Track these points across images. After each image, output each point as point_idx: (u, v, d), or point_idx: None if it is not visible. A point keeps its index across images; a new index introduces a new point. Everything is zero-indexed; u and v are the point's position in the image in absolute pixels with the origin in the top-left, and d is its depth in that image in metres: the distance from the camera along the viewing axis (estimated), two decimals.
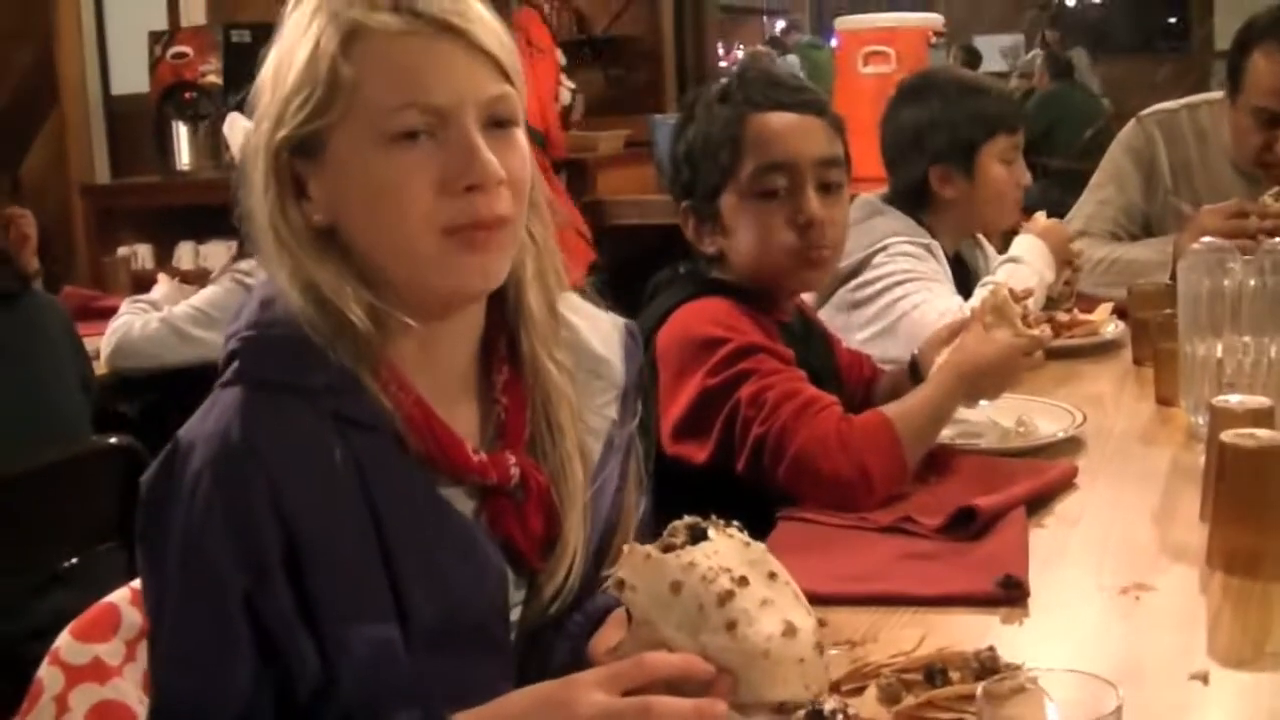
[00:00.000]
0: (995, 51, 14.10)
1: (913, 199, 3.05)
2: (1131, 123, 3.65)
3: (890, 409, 2.12)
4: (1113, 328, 3.08)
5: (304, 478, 1.33)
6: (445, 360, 1.49)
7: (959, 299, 2.86)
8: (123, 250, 5.86)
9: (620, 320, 1.69)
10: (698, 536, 1.33)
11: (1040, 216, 3.10)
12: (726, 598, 1.27)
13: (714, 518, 1.35)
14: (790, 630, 1.28)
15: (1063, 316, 3.05)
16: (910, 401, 2.14)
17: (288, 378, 1.37)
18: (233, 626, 1.31)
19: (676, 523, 1.35)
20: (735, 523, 1.37)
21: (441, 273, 1.41)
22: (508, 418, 1.51)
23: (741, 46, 15.36)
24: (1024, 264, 2.88)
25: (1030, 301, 2.31)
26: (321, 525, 1.33)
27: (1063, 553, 1.89)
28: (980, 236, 3.30)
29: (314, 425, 1.36)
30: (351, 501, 1.35)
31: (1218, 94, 3.57)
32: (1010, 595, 1.71)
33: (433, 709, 1.32)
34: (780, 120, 2.27)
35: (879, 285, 2.88)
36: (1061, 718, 1.13)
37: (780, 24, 19.48)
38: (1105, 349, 3.04)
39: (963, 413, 2.41)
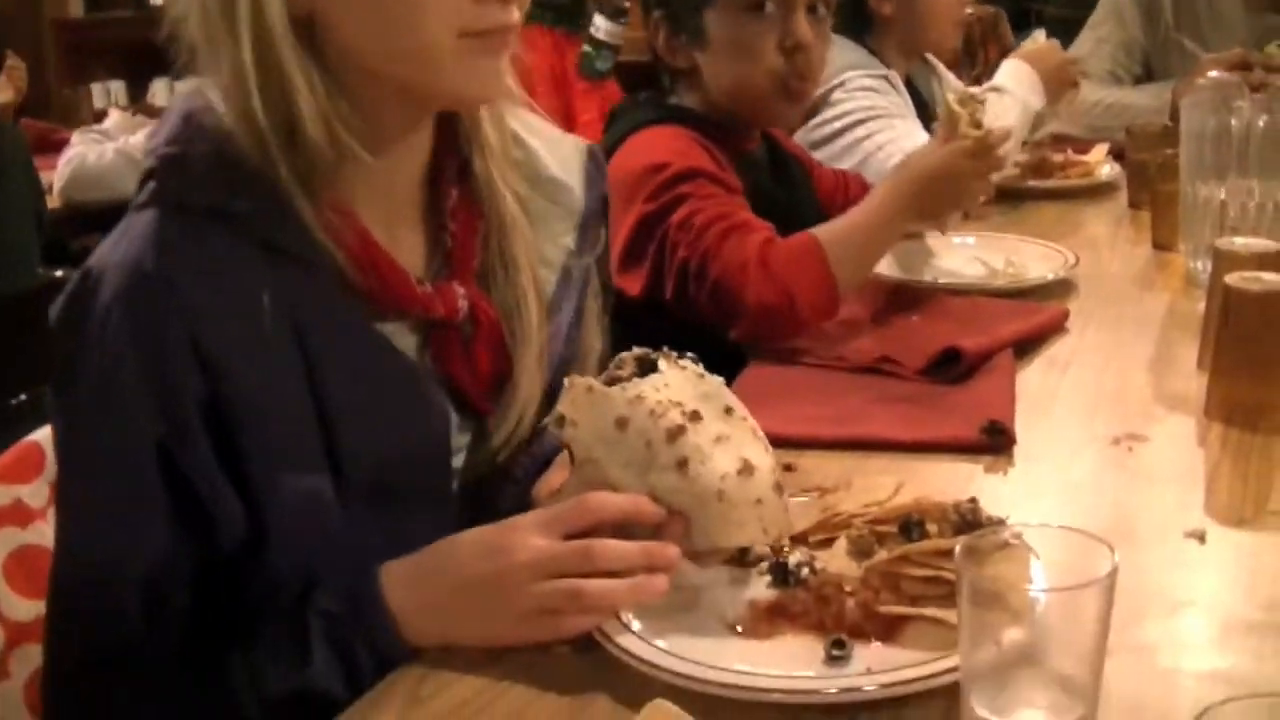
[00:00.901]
0: None
1: (853, 19, 2.88)
2: None
3: (821, 230, 1.98)
4: (1108, 169, 2.94)
5: (226, 313, 1.20)
6: (391, 184, 1.35)
7: (925, 134, 2.73)
8: (96, 87, 5.71)
9: (583, 143, 1.57)
10: (646, 368, 1.23)
11: (1039, 35, 2.94)
12: (676, 433, 1.17)
13: (665, 349, 1.24)
14: (747, 468, 1.18)
15: (1056, 157, 2.92)
16: (844, 221, 2.00)
17: (211, 200, 1.23)
18: (146, 477, 1.18)
19: (624, 354, 1.24)
20: (689, 354, 1.26)
21: (457, 76, 1.27)
22: (456, 245, 1.39)
23: None
24: (1007, 92, 2.73)
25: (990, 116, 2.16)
26: (246, 366, 1.20)
27: (1052, 399, 1.78)
28: (934, 61, 3.16)
29: (239, 255, 1.22)
30: (280, 339, 1.22)
31: None
32: (995, 442, 1.61)
33: (364, 565, 1.21)
34: None
35: (840, 124, 2.74)
36: (1050, 579, 1.01)
37: None
38: (1100, 191, 2.91)
39: (948, 251, 2.29)
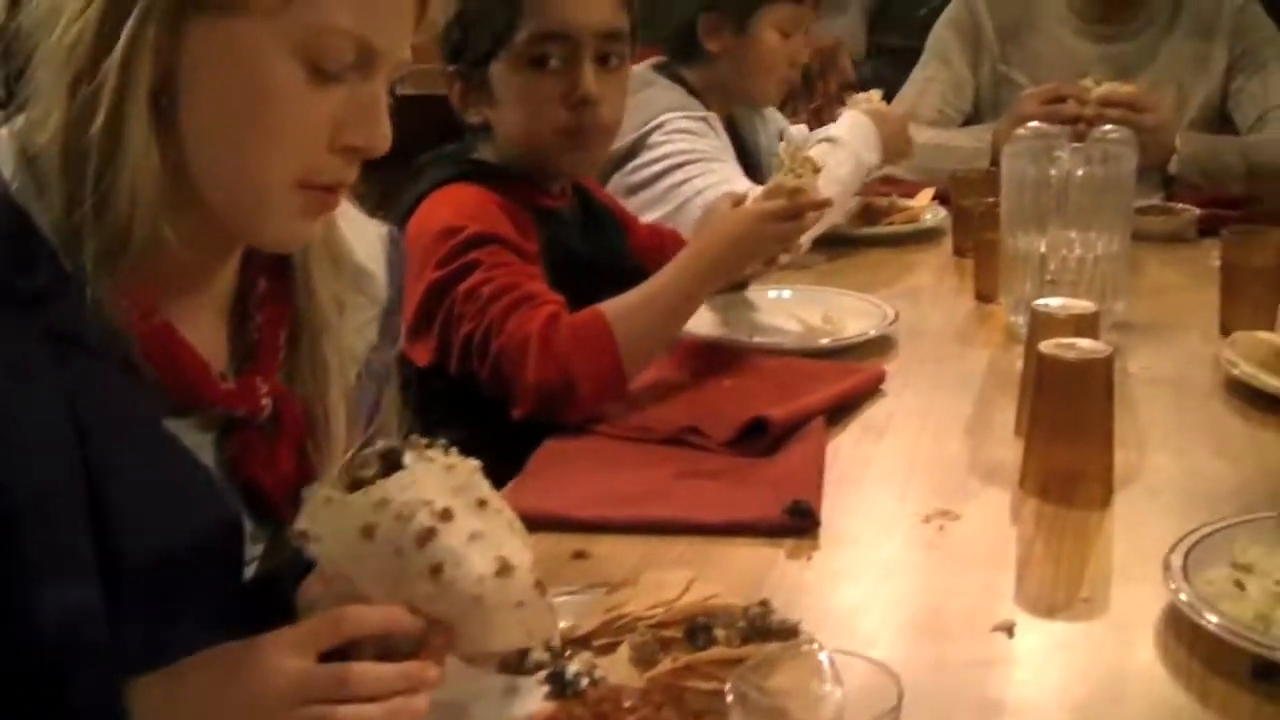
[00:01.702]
0: None
1: (679, 47, 2.80)
2: None
3: (612, 305, 1.87)
4: (933, 215, 2.88)
5: None
6: (198, 270, 1.23)
7: (746, 180, 2.66)
8: None
9: (384, 228, 1.45)
10: (391, 465, 1.11)
11: (874, 94, 2.87)
12: (427, 537, 1.06)
13: (413, 438, 1.14)
14: (505, 568, 1.08)
15: (881, 202, 2.85)
16: (638, 294, 1.90)
17: None
18: None
19: (366, 450, 1.13)
20: (441, 441, 1.15)
21: (276, 226, 1.18)
22: (262, 338, 1.27)
23: None
24: (841, 144, 2.66)
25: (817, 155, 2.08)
26: (11, 467, 1.07)
27: (864, 471, 1.71)
28: (767, 111, 3.09)
29: (15, 341, 1.08)
30: (55, 440, 1.08)
31: None
32: (799, 524, 1.52)
33: (127, 680, 1.09)
34: None
35: (658, 168, 2.64)
36: (832, 706, 0.93)
37: None
38: (926, 237, 2.84)
39: (764, 306, 2.21)
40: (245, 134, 1.13)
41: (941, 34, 3.41)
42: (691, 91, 2.80)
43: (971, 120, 3.35)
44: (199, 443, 1.21)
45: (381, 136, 1.18)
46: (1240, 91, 3.26)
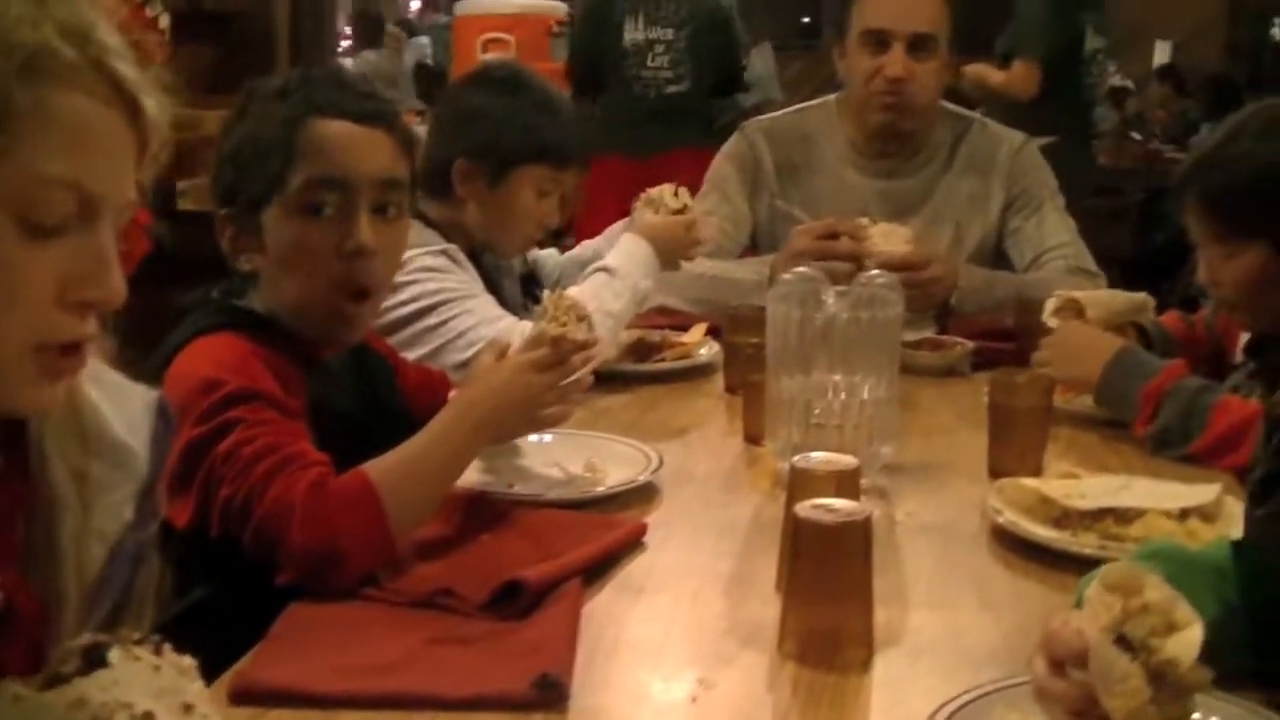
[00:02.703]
0: None
1: (427, 182, 2.70)
2: (736, 133, 3.46)
3: (375, 465, 1.79)
4: (706, 350, 2.84)
5: None
6: None
7: (501, 310, 2.63)
8: None
9: (151, 394, 1.36)
10: (94, 661, 1.02)
11: (667, 189, 2.82)
12: None
13: (123, 632, 1.05)
14: None
15: (654, 337, 2.80)
16: (403, 453, 1.82)
17: None
18: None
19: (69, 644, 1.04)
20: (154, 637, 1.06)
21: (19, 393, 1.13)
22: None
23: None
24: (618, 275, 2.61)
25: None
26: None
27: (620, 634, 1.63)
28: None
29: None
30: None
31: (829, 96, 3.43)
32: (546, 698, 1.44)
33: None
34: (341, 129, 1.94)
35: (407, 310, 2.56)
36: None
37: (416, 3, 19.22)
38: (698, 373, 2.79)
39: (526, 452, 2.13)
40: None
41: (722, 168, 3.40)
42: (429, 224, 2.72)
43: (749, 254, 3.34)
44: None
45: (114, 289, 1.12)
46: (1017, 232, 3.31)
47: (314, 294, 1.96)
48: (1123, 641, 1.20)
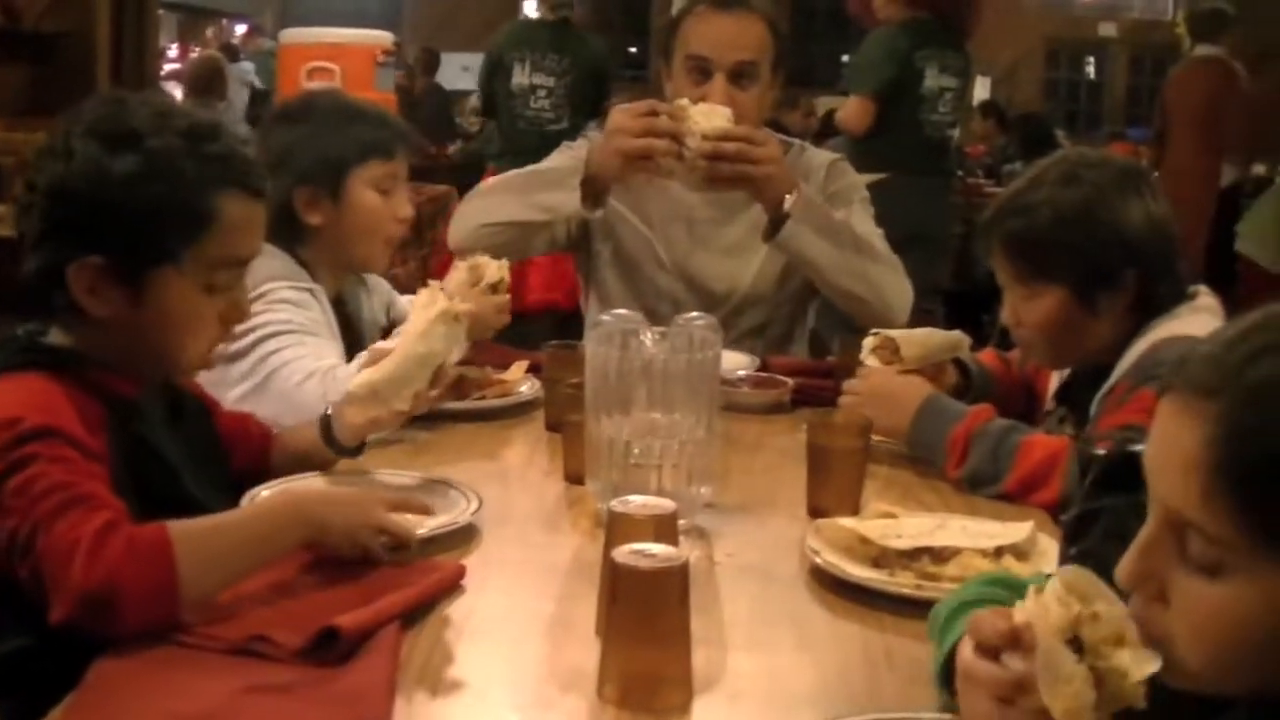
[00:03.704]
0: (459, 69, 13.95)
1: (283, 227, 2.69)
2: (580, 137, 3.43)
3: (182, 524, 1.75)
4: (527, 387, 2.83)
5: None
6: None
7: (337, 355, 2.61)
8: None
9: None
10: None
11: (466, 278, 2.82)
12: None
13: None
14: None
15: (474, 374, 2.78)
16: (214, 520, 1.81)
17: None
18: None
19: None
20: None
21: None
22: None
23: (196, 49, 14.88)
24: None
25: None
26: None
27: (439, 678, 1.62)
28: (371, 280, 3.05)
29: None
30: None
31: None
32: None
33: None
34: (247, 207, 1.96)
35: (253, 337, 2.53)
36: None
37: (241, 27, 19.04)
38: (520, 411, 2.78)
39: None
40: None
41: (562, 159, 3.37)
42: (302, 264, 2.74)
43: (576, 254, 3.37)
44: None
45: None
46: None
47: (193, 354, 1.98)
48: (1074, 643, 1.23)
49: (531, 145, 6.39)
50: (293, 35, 6.72)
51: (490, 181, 3.25)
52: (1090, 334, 2.46)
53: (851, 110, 6.11)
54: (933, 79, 6.15)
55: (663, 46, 3.35)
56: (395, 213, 2.83)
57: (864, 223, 3.29)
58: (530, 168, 3.25)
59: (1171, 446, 1.19)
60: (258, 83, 12.81)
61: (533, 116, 7.52)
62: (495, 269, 2.79)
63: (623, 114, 3.03)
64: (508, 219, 3.15)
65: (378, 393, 2.13)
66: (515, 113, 7.56)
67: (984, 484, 2.34)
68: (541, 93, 7.52)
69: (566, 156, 3.27)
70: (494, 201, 3.20)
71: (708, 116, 2.97)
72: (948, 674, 1.44)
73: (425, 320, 2.14)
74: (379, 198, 2.80)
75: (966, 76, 6.43)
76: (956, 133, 6.52)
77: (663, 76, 3.35)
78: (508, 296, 2.83)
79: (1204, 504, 1.16)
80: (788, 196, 3.03)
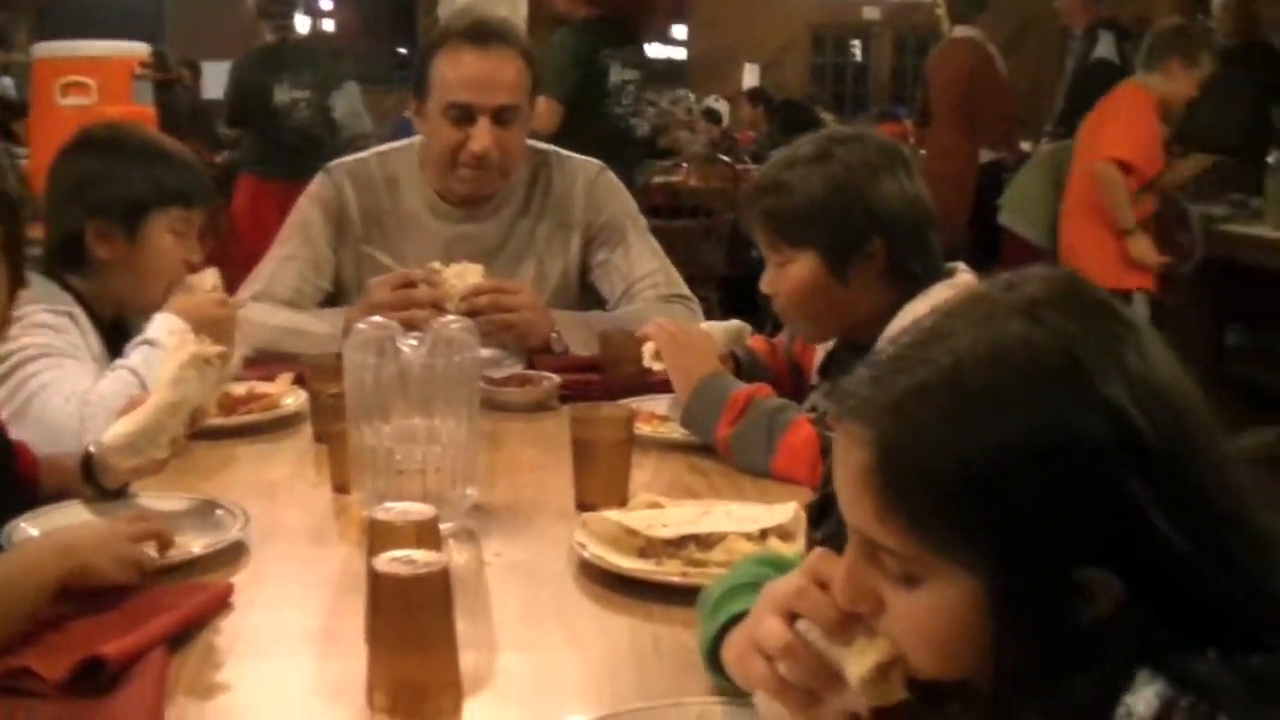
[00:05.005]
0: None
1: (67, 255, 2.70)
2: (320, 174, 3.42)
3: None
4: (294, 399, 2.81)
5: None
6: None
7: (90, 380, 2.55)
8: None
9: None
10: None
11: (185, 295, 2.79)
12: None
13: None
14: None
15: (238, 390, 2.76)
16: None
17: None
18: None
19: None
20: None
21: None
22: None
23: None
24: (160, 347, 2.56)
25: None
26: None
27: (208, 700, 1.61)
28: None
29: None
30: None
31: (414, 139, 3.42)
32: None
33: None
34: None
35: (11, 362, 2.50)
36: None
37: None
38: (287, 424, 2.75)
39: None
40: None
41: (306, 211, 3.37)
42: (79, 299, 2.70)
43: (332, 299, 3.32)
44: None
45: None
46: (605, 264, 3.39)
47: None
48: None
49: (289, 156, 7.70)
50: (47, 49, 6.54)
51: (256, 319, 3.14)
52: (843, 305, 2.53)
53: (541, 112, 6.21)
54: (616, 74, 6.42)
55: (415, 79, 3.29)
56: (184, 256, 2.80)
57: (644, 257, 3.36)
58: (285, 326, 3.19)
59: (846, 472, 1.24)
60: (13, 93, 12.45)
61: (295, 128, 8.22)
62: (208, 277, 2.79)
63: (381, 288, 3.03)
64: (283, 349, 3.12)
65: (134, 444, 2.10)
66: (279, 124, 8.24)
67: (750, 453, 2.40)
68: (302, 104, 8.27)
69: (316, 210, 3.33)
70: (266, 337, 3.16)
71: (461, 277, 3.05)
72: (717, 654, 1.49)
73: (176, 365, 2.11)
74: (173, 240, 2.78)
75: (644, 68, 6.75)
76: (639, 122, 6.76)
77: (413, 110, 3.34)
78: (225, 298, 2.85)
79: (879, 524, 1.21)
80: (551, 336, 3.14)
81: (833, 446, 1.27)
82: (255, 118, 8.39)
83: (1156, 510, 1.15)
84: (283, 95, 8.24)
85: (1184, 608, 1.15)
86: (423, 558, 1.55)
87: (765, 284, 2.60)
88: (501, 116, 3.18)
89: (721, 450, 2.47)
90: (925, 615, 1.22)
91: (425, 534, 1.67)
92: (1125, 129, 6.15)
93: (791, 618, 1.33)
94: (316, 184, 3.39)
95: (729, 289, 8.08)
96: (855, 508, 1.24)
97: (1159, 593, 1.15)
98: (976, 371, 1.18)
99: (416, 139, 3.40)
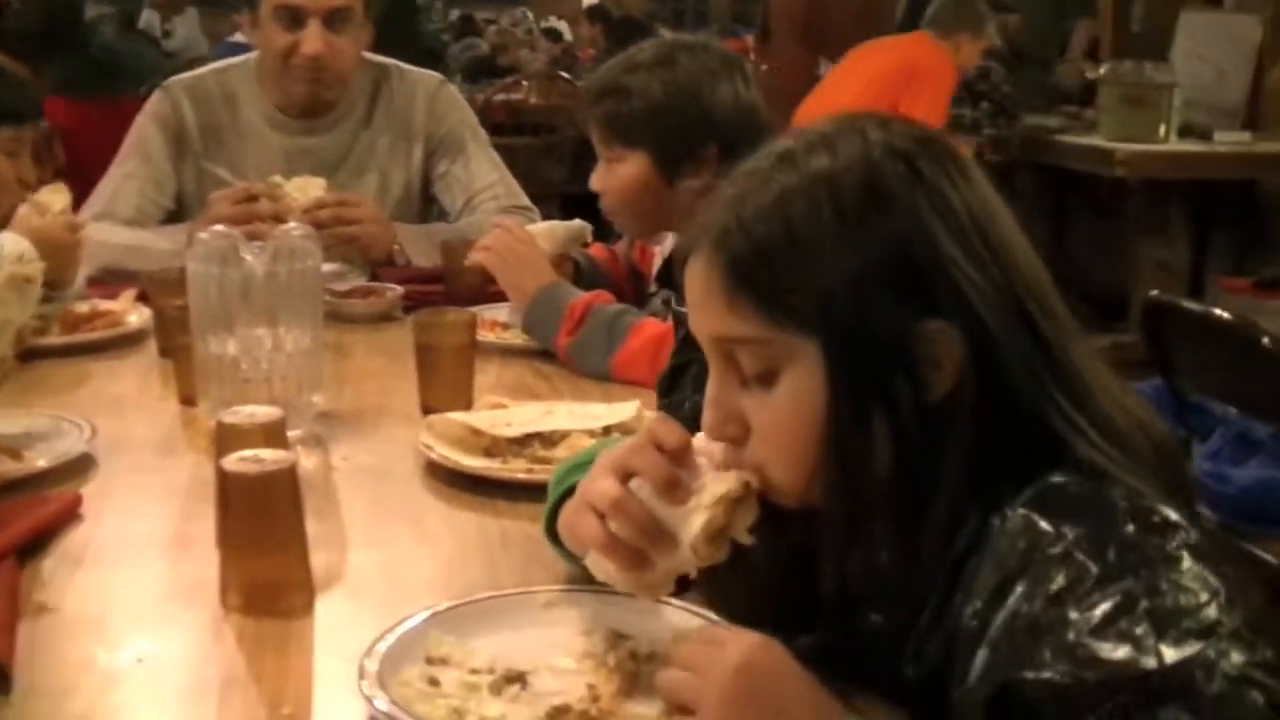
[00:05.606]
0: None
1: None
2: (157, 91, 3.38)
3: None
4: (137, 316, 2.79)
5: None
6: None
7: None
8: None
9: None
10: None
11: (56, 197, 2.76)
12: None
13: None
14: None
15: (81, 308, 2.74)
16: None
17: None
18: None
19: None
20: None
21: None
22: None
23: None
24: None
25: None
26: None
27: (60, 608, 1.61)
28: None
29: None
30: None
31: (250, 55, 3.40)
32: None
33: None
34: None
35: None
36: None
37: None
38: (131, 341, 2.74)
39: None
40: None
41: (144, 128, 3.34)
42: None
43: (175, 216, 3.30)
44: None
45: None
46: (445, 176, 3.41)
47: None
48: None
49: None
50: None
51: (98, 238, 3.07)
52: (668, 205, 2.56)
53: None
54: None
55: None
56: (21, 176, 2.78)
57: (484, 169, 3.38)
58: (128, 244, 3.16)
59: (697, 286, 1.32)
60: None
61: (103, 44, 7.62)
62: (58, 198, 2.75)
63: (222, 202, 3.02)
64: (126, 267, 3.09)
65: None
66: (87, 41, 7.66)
67: (591, 355, 2.45)
68: (107, 19, 7.88)
69: (154, 128, 3.31)
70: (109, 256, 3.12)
71: (303, 190, 3.06)
72: (555, 526, 1.55)
73: None
74: (5, 161, 2.78)
75: None
76: (449, 39, 6.92)
77: (246, 24, 3.32)
78: (74, 219, 2.83)
79: (731, 314, 1.29)
80: (394, 248, 3.16)
81: (685, 280, 1.33)
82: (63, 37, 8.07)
83: (961, 268, 1.24)
84: (90, 12, 7.90)
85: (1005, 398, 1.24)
86: (270, 456, 1.58)
87: (595, 180, 2.63)
88: (332, 20, 3.18)
89: (563, 358, 2.51)
90: (785, 414, 1.29)
91: (272, 435, 1.69)
92: (936, 97, 6.56)
93: (626, 478, 1.38)
94: (154, 101, 3.36)
95: (571, 205, 8.08)
96: (707, 312, 1.32)
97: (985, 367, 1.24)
98: (806, 155, 1.30)
99: (253, 54, 3.38)
